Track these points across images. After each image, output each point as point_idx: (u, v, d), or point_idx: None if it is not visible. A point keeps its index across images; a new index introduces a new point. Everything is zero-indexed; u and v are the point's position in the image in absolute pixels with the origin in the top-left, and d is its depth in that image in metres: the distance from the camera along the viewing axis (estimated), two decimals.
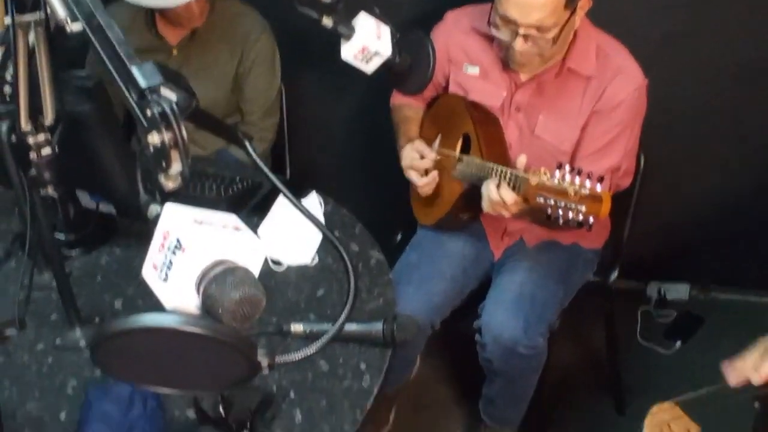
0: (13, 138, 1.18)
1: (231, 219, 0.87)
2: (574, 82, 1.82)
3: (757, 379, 1.29)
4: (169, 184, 0.83)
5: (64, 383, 1.31)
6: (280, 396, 1.25)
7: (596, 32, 1.85)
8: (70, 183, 1.44)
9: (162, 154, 0.80)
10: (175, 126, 0.79)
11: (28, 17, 1.03)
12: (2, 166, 1.21)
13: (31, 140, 1.17)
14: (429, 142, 1.97)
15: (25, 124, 1.17)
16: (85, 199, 1.56)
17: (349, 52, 1.39)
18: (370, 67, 1.41)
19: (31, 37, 1.09)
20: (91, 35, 0.87)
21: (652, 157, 1.97)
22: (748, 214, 2.41)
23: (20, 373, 1.33)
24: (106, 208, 1.56)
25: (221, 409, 1.12)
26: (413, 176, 1.91)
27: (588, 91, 1.82)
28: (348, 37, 1.36)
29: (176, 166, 0.81)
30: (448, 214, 1.95)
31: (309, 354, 0.92)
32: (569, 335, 1.99)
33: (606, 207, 1.52)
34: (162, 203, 0.87)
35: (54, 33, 1.07)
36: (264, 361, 0.84)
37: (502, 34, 1.74)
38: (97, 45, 0.87)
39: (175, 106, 0.80)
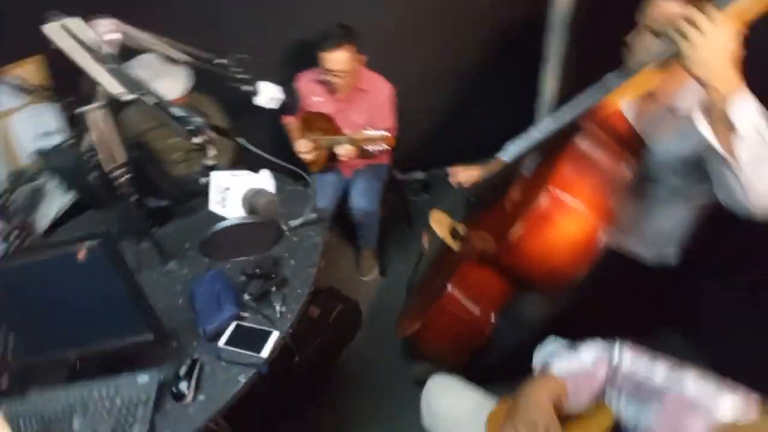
0: (101, 178, 1.00)
1: (245, 171, 0.80)
2: (362, 94, 1.79)
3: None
4: (209, 162, 0.75)
5: (174, 287, 1.16)
6: (281, 257, 1.18)
7: (366, 70, 1.80)
8: (142, 194, 1.24)
9: (203, 147, 0.72)
10: (206, 131, 0.70)
11: (94, 106, 0.85)
12: (101, 197, 1.03)
13: (114, 174, 0.99)
14: (304, 135, 1.87)
15: (106, 167, 0.98)
16: (152, 201, 1.37)
17: (260, 101, 1.29)
18: (271, 105, 1.33)
19: (98, 115, 0.91)
20: (141, 97, 0.74)
21: (402, 118, 1.94)
22: (453, 128, 2.46)
23: (149, 287, 1.15)
24: (164, 203, 1.38)
25: (257, 270, 1.06)
26: (303, 156, 1.82)
27: (369, 98, 1.79)
28: (257, 94, 1.26)
29: (212, 152, 0.73)
30: (323, 164, 1.90)
31: (298, 225, 0.89)
32: (385, 201, 2.00)
33: (391, 142, 1.55)
34: (209, 175, 0.77)
35: (113, 108, 0.90)
36: (285, 228, 0.80)
37: (328, 77, 1.68)
38: (147, 101, 0.74)
39: (203, 121, 0.71)
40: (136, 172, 1.06)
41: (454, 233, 1.44)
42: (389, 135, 1.52)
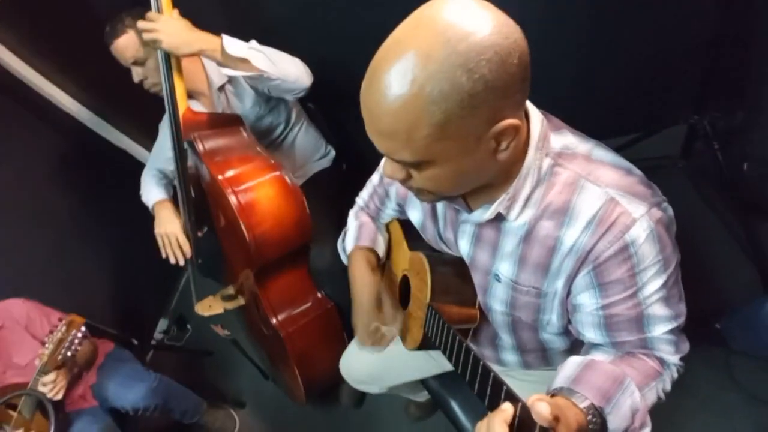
0: None
1: None
2: None
3: None
4: None
5: None
6: None
7: None
8: None
9: None
10: None
11: None
12: None
13: None
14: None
15: None
16: None
17: None
18: None
19: None
20: None
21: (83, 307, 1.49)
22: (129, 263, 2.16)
23: None
24: None
25: None
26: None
27: (8, 328, 1.32)
28: None
29: None
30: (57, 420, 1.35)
31: None
32: (165, 370, 1.66)
33: (80, 320, 1.23)
34: None
35: None
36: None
37: None
38: None
39: None
40: None
41: (228, 299, 1.42)
42: (70, 318, 1.24)
